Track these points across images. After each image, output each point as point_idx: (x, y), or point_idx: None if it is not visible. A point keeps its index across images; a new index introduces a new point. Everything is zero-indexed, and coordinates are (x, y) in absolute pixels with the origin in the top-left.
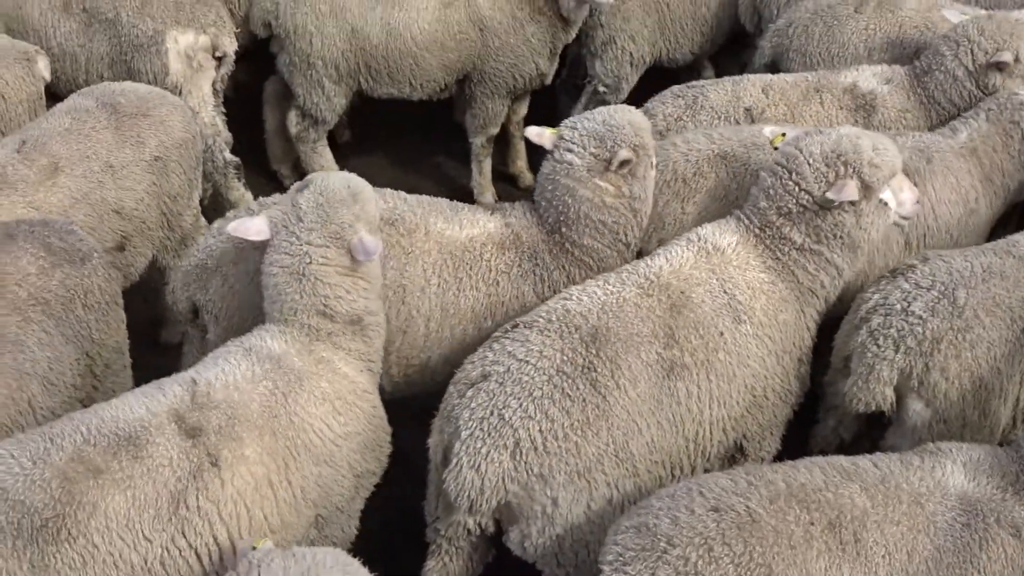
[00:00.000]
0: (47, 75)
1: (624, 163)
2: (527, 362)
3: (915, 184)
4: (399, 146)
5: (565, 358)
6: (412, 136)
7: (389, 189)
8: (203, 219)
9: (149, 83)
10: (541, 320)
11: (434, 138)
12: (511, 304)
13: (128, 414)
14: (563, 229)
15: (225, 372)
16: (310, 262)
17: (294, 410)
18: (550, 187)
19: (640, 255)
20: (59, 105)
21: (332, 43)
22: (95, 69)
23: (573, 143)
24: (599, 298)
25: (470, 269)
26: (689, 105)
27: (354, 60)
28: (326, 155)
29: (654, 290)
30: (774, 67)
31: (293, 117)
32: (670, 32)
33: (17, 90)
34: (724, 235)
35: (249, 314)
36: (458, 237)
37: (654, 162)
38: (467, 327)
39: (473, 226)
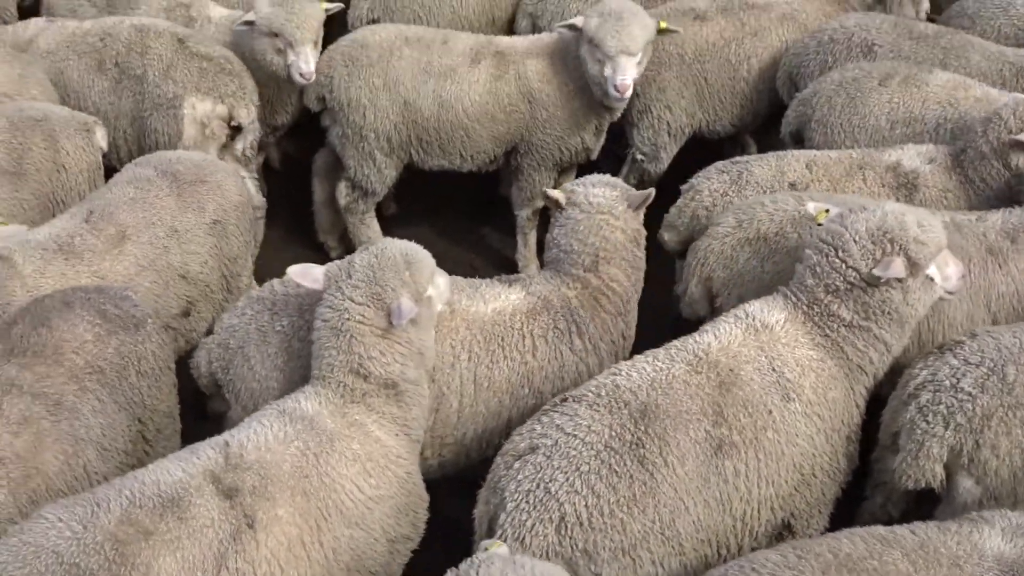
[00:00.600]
0: (104, 145)
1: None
2: (575, 436)
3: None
4: (445, 218)
5: (613, 433)
6: (458, 209)
7: None
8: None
9: (162, 144)
10: (590, 395)
11: (479, 211)
12: (549, 367)
13: (167, 477)
14: (600, 266)
15: (257, 433)
16: (348, 318)
17: (325, 470)
18: (582, 229)
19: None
20: (119, 175)
21: (385, 115)
22: (120, 125)
23: (592, 186)
24: (648, 374)
25: (502, 340)
26: (734, 180)
27: (406, 132)
28: (374, 226)
29: (703, 367)
30: (798, 136)
31: (343, 188)
32: (708, 104)
33: (78, 160)
34: (772, 312)
35: (269, 396)
36: (484, 312)
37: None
38: (503, 398)
39: (496, 299)
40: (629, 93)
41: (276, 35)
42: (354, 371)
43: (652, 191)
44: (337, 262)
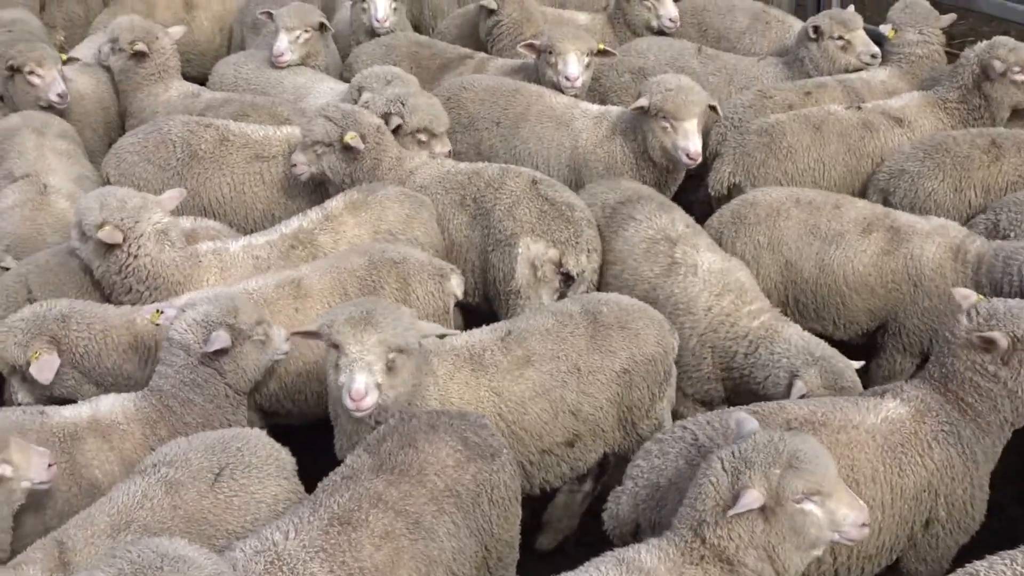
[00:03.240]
0: (459, 292)
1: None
2: None
3: None
4: None
5: None
6: None
7: None
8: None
9: (497, 279)
10: None
11: None
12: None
13: None
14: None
15: None
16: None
17: None
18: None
19: None
20: (550, 304)
21: (767, 274)
22: (468, 256)
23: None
24: None
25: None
26: None
27: (784, 292)
28: None
29: None
30: None
31: None
32: None
33: (425, 304)
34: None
35: None
36: (872, 422)
37: None
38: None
39: (878, 412)
40: None
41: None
42: (694, 529)
43: None
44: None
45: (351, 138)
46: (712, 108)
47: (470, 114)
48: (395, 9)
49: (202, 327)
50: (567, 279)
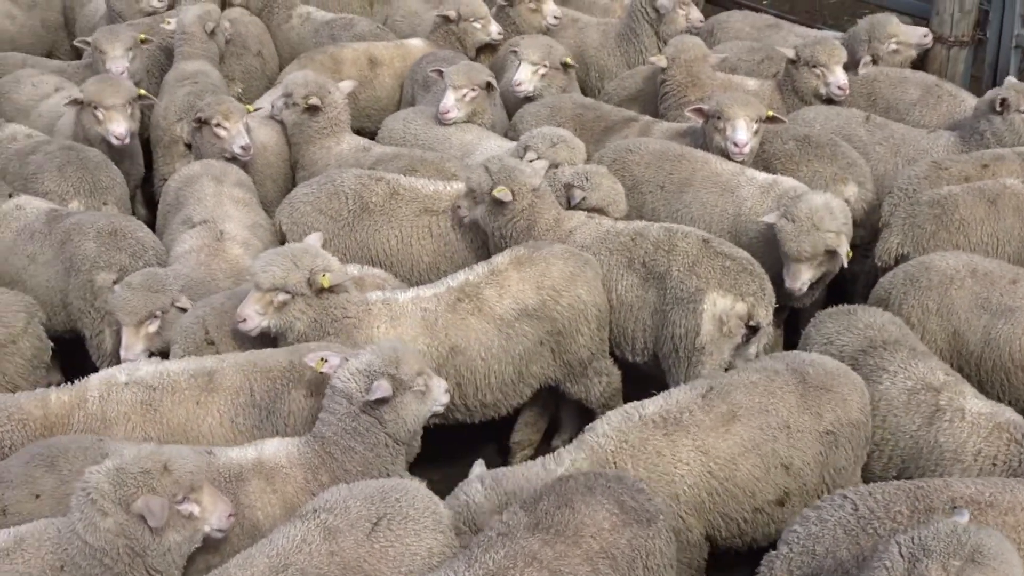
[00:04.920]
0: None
1: None
2: None
3: None
4: None
5: None
6: None
7: None
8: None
9: (677, 336)
10: None
11: None
12: None
13: None
14: None
15: None
16: None
17: None
18: None
19: None
20: (752, 363)
21: (932, 340)
22: (642, 317)
23: None
24: None
25: None
26: None
27: (949, 361)
28: None
29: None
30: None
31: None
32: None
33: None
34: None
35: None
36: None
37: None
38: None
39: None
40: None
41: None
42: None
43: None
44: None
45: (499, 192)
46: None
47: (635, 177)
48: (543, 75)
49: (364, 376)
50: (752, 332)
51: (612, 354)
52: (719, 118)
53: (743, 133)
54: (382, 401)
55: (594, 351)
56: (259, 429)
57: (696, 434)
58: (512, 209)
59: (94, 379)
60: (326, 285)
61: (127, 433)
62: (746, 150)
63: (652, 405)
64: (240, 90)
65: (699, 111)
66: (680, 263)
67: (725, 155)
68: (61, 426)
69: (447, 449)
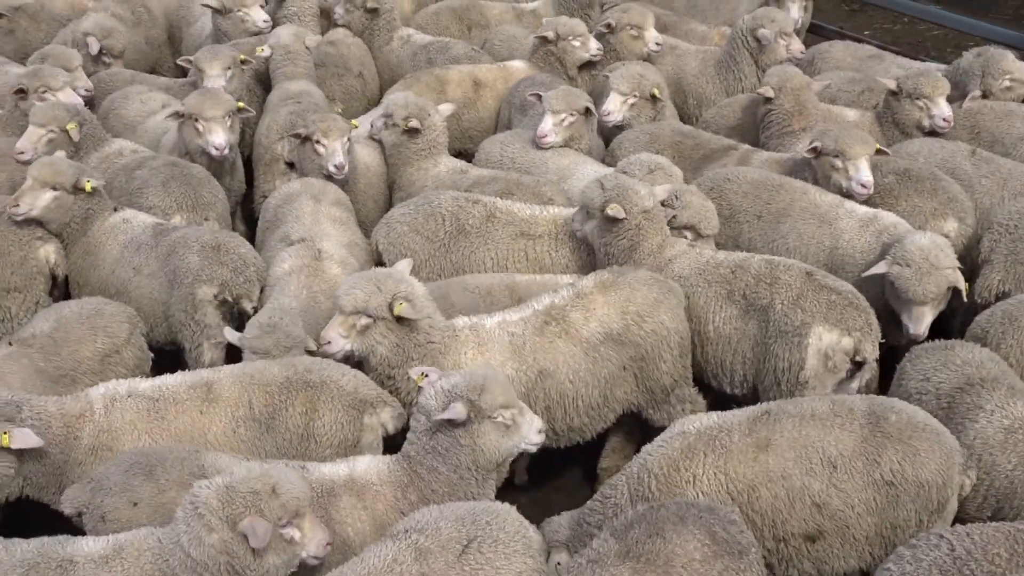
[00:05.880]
0: (390, 427)
1: None
2: None
3: None
4: None
5: None
6: None
7: None
8: None
9: (779, 370)
10: None
11: None
12: None
13: None
14: None
15: None
16: None
17: None
18: None
19: None
20: (830, 395)
21: None
22: (741, 349)
23: None
24: None
25: None
26: None
27: None
28: None
29: None
30: None
31: None
32: None
33: (330, 433)
34: None
35: None
36: None
37: None
38: None
39: None
40: None
41: None
42: None
43: None
44: None
45: (612, 209)
46: None
47: (732, 206)
48: (632, 105)
49: (445, 396)
50: (856, 367)
51: (709, 385)
52: (838, 156)
53: (867, 173)
54: (456, 423)
55: (676, 378)
56: (259, 442)
57: (723, 455)
58: (621, 227)
59: (95, 391)
60: (396, 313)
61: (134, 442)
62: (872, 190)
63: (706, 420)
64: (340, 110)
65: (814, 150)
66: (784, 296)
67: (844, 194)
68: (73, 435)
69: (535, 473)
